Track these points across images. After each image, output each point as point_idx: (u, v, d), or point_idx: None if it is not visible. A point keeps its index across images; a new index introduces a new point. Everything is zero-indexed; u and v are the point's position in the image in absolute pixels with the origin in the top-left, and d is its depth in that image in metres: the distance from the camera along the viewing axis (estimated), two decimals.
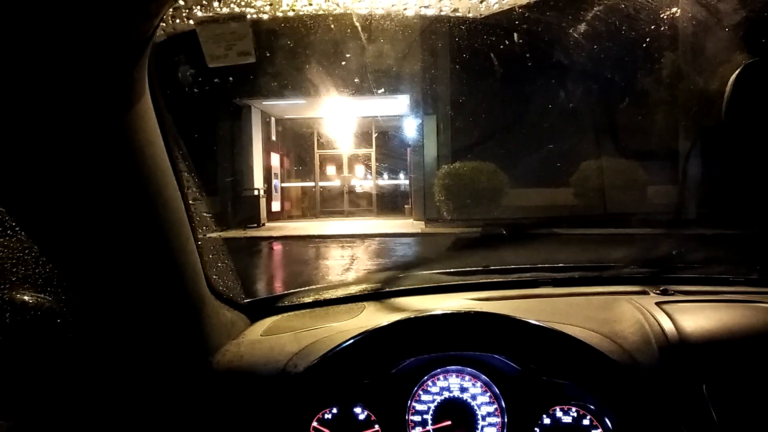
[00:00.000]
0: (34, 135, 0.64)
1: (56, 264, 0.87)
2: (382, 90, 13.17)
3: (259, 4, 0.81)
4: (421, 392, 1.05)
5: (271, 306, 1.34)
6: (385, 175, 19.31)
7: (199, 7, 0.77)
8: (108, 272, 0.84)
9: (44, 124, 0.64)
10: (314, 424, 1.02)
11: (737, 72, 0.88)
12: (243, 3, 0.79)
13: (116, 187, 0.74)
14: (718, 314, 1.09)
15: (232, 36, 0.78)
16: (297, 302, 1.37)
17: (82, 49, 0.59)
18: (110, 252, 0.81)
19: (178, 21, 0.77)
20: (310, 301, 1.37)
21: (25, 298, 0.98)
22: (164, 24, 0.70)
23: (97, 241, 0.79)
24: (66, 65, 0.60)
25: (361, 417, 1.03)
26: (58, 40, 0.57)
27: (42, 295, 0.99)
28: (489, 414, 1.03)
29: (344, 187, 18.52)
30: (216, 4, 0.78)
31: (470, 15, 0.96)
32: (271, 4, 0.82)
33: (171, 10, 0.73)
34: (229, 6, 0.78)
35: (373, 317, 1.20)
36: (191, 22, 0.78)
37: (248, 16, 0.79)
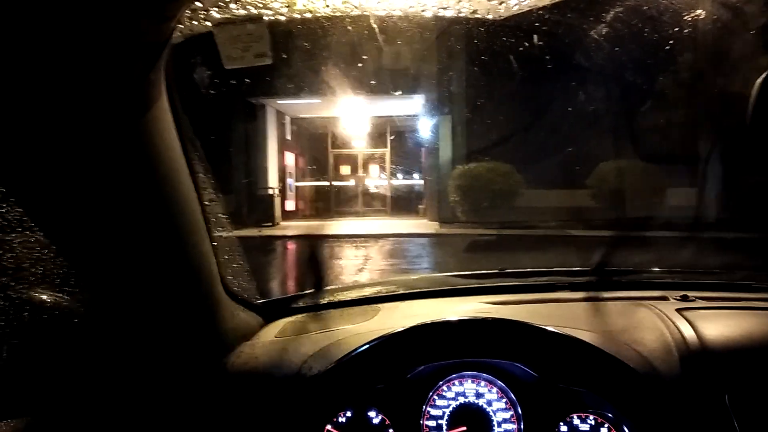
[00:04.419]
0: (51, 136, 0.65)
1: (74, 264, 0.87)
2: (399, 91, 13.17)
3: (276, 6, 0.81)
4: (436, 397, 1.04)
5: (286, 307, 1.34)
6: (400, 176, 19.31)
7: (216, 8, 0.77)
8: (124, 272, 0.85)
9: (61, 126, 0.64)
10: (328, 427, 1.02)
11: (763, 76, 0.86)
12: (260, 5, 0.79)
13: (133, 188, 0.74)
14: (741, 322, 1.07)
15: (249, 38, 0.78)
16: (311, 303, 1.36)
17: (99, 51, 0.59)
18: (127, 252, 0.81)
19: (195, 23, 0.77)
20: (325, 302, 1.37)
21: (43, 296, 0.99)
22: (181, 26, 0.70)
23: (114, 241, 0.79)
24: (83, 67, 0.60)
25: (376, 421, 1.03)
26: (77, 43, 0.57)
27: (59, 294, 1.00)
28: (505, 420, 1.02)
29: (359, 187, 18.55)
30: (233, 6, 0.77)
31: (489, 17, 0.95)
32: (288, 6, 0.82)
33: (188, 12, 0.73)
34: (246, 8, 0.78)
35: (388, 320, 1.19)
36: (208, 23, 0.78)
37: (265, 18, 0.79)
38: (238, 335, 1.11)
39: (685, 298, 1.23)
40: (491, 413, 1.03)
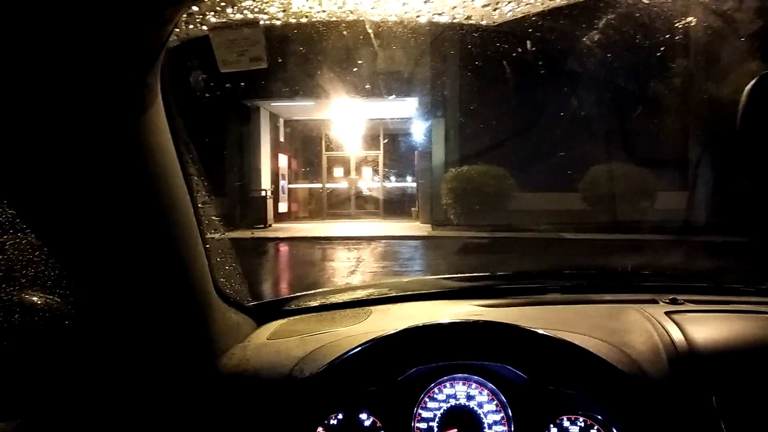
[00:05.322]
0: (46, 138, 0.65)
1: (66, 266, 0.87)
2: (392, 95, 13.19)
3: (272, 10, 0.81)
4: (427, 399, 1.05)
5: (278, 309, 1.34)
6: (393, 178, 19.31)
7: (212, 13, 0.77)
8: (117, 274, 0.84)
9: (57, 128, 0.64)
10: (319, 429, 1.02)
11: (753, 82, 0.87)
12: (256, 9, 0.79)
13: (126, 190, 0.75)
14: (729, 325, 1.08)
15: (244, 42, 0.78)
16: (303, 306, 1.37)
17: (97, 54, 0.60)
18: (119, 254, 0.81)
19: (191, 26, 0.78)
20: (317, 304, 1.37)
21: (34, 299, 0.99)
22: (177, 29, 0.70)
23: (107, 243, 0.79)
24: (81, 70, 0.60)
25: (367, 423, 1.03)
26: (75, 46, 0.58)
27: (51, 297, 0.99)
28: (495, 422, 1.03)
29: (351, 189, 18.54)
30: (229, 10, 0.78)
31: (483, 22, 0.96)
32: (284, 11, 0.82)
33: (185, 15, 0.74)
34: (243, 12, 0.79)
35: (380, 323, 1.19)
36: (204, 27, 0.78)
37: (261, 23, 0.79)
38: (230, 337, 1.11)
39: (674, 301, 1.24)
40: (482, 415, 1.03)
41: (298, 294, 1.44)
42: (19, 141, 0.64)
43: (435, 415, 1.04)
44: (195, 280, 0.94)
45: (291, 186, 18.19)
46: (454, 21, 0.96)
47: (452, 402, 1.05)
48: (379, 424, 1.03)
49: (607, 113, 12.16)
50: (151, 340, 0.96)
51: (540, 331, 0.98)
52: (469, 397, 1.05)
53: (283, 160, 17.34)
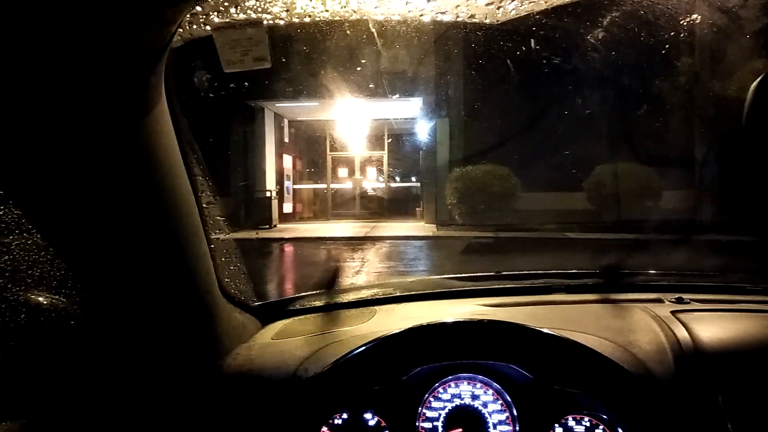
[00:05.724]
0: (51, 138, 0.65)
1: (71, 266, 0.87)
2: (396, 94, 13.18)
3: (275, 10, 0.81)
4: (432, 399, 1.05)
5: (282, 309, 1.34)
6: (397, 178, 19.29)
7: (216, 13, 0.77)
8: (122, 275, 0.85)
9: (61, 128, 0.64)
10: (324, 429, 1.02)
11: (759, 79, 0.86)
12: (259, 9, 0.79)
13: (131, 190, 0.75)
14: (735, 324, 1.08)
15: (248, 41, 0.78)
16: (308, 306, 1.37)
17: (100, 55, 0.60)
18: (124, 255, 0.82)
19: (195, 26, 0.78)
20: (321, 304, 1.37)
21: (40, 299, 0.99)
22: (181, 30, 0.70)
23: (112, 243, 0.79)
24: (85, 71, 0.60)
25: (372, 423, 1.03)
26: (78, 46, 0.58)
27: (57, 297, 1.00)
28: (500, 422, 1.02)
29: (356, 189, 18.53)
30: (233, 10, 0.78)
31: (487, 21, 0.96)
32: (287, 11, 0.82)
33: (188, 16, 0.74)
34: (246, 12, 0.79)
35: (384, 323, 1.19)
36: (208, 27, 0.79)
37: (264, 22, 0.79)
38: (235, 337, 1.12)
39: (680, 301, 1.24)
40: (487, 415, 1.03)
41: (303, 294, 1.44)
42: (23, 142, 0.65)
43: (440, 415, 1.04)
44: (200, 280, 0.94)
45: (296, 186, 18.21)
46: (458, 20, 0.96)
47: (457, 401, 1.05)
48: (383, 424, 1.03)
49: (611, 112, 12.11)
50: (155, 340, 0.96)
51: (545, 331, 0.98)
52: (474, 397, 1.05)
53: (287, 160, 17.37)
